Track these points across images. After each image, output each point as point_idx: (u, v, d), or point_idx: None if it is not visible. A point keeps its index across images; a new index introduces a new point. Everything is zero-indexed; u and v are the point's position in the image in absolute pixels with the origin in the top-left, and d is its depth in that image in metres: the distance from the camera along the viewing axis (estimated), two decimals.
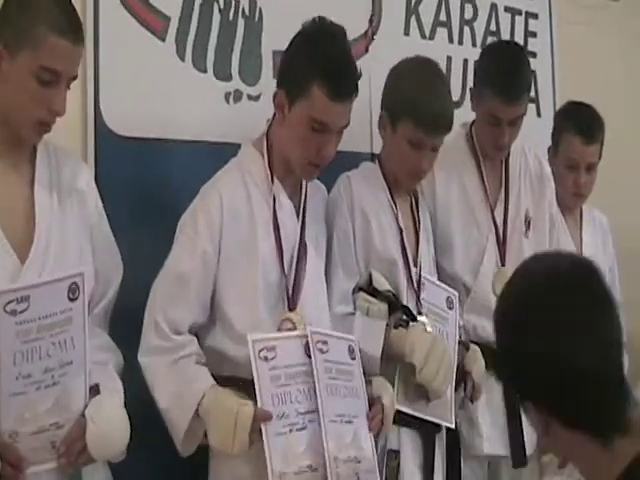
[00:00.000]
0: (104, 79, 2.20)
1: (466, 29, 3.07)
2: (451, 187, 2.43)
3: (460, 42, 3.04)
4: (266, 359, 1.81)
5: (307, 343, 1.88)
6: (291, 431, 1.83)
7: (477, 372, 2.23)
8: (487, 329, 2.35)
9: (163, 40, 2.31)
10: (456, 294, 2.28)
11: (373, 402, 1.96)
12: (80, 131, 2.18)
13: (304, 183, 2.04)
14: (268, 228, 1.95)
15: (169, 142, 2.29)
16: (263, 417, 1.79)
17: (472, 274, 2.40)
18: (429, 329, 2.13)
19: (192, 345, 1.91)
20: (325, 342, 1.87)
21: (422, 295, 2.18)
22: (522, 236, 2.45)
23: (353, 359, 1.95)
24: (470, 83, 3.06)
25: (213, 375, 1.89)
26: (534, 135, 3.24)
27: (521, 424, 2.37)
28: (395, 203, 2.21)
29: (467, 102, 2.94)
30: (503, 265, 2.40)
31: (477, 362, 2.25)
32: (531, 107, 3.29)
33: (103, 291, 1.91)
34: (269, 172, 1.98)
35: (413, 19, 2.92)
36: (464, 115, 2.56)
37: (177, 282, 1.90)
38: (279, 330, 1.90)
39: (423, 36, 2.94)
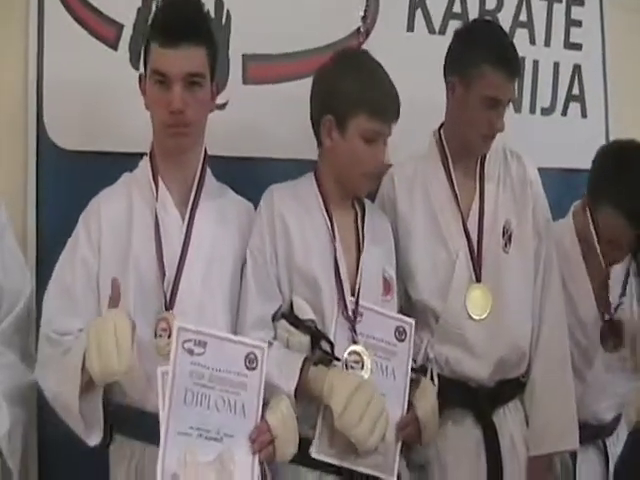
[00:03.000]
0: (48, 91, 2.35)
1: None
2: (414, 200, 2.35)
3: None
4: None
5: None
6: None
7: (423, 409, 2.12)
8: (462, 362, 2.29)
9: (115, 49, 2.43)
10: (411, 322, 2.16)
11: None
12: (22, 144, 2.33)
13: (196, 181, 2.10)
14: (148, 230, 2.03)
15: (119, 156, 2.38)
16: None
17: (441, 298, 2.29)
18: (368, 366, 2.07)
19: (81, 335, 1.95)
20: (200, 343, 1.83)
21: (359, 326, 2.09)
22: (501, 250, 2.32)
23: (252, 369, 1.88)
24: None
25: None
26: (579, 138, 3.16)
27: (502, 474, 2.27)
28: (331, 218, 2.16)
29: None
30: (478, 281, 2.29)
31: (424, 398, 2.13)
32: (575, 106, 3.20)
33: (9, 306, 2.04)
34: (151, 173, 2.08)
35: (419, 12, 2.88)
36: None
37: (63, 293, 2.01)
38: (155, 330, 1.97)
39: (432, 31, 2.89)
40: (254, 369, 1.88)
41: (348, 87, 2.12)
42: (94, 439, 1.96)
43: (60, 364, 1.92)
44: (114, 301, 1.87)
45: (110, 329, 1.79)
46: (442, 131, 2.42)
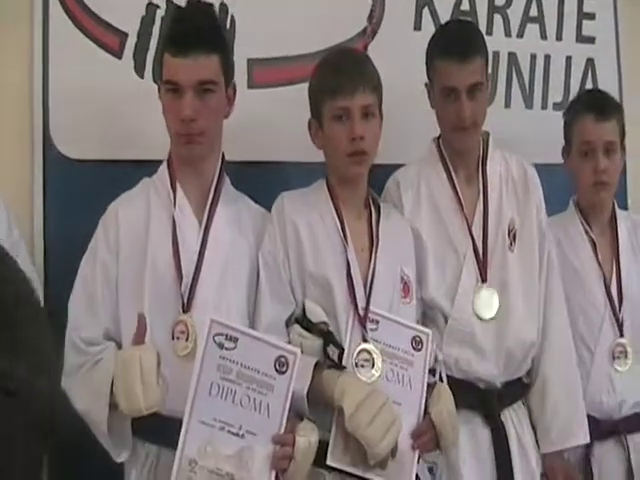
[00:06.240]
0: (54, 100, 2.47)
1: (497, 17, 3.09)
2: (420, 206, 2.47)
3: (489, 32, 3.03)
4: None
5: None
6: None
7: (438, 414, 2.18)
8: (471, 361, 2.41)
9: (119, 58, 2.55)
10: (428, 332, 2.25)
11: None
12: (28, 153, 2.46)
13: (213, 188, 2.22)
14: (165, 235, 2.16)
15: (125, 163, 2.51)
16: None
17: (449, 299, 2.41)
18: (379, 365, 2.15)
19: (109, 348, 2.11)
20: (232, 338, 1.94)
21: (372, 334, 2.18)
22: (506, 250, 2.45)
23: (281, 372, 1.96)
24: (502, 79, 3.15)
25: None
26: None
27: (512, 475, 2.38)
28: (342, 220, 2.26)
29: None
30: (484, 282, 2.42)
31: (439, 402, 2.20)
32: None
33: None
34: (169, 179, 2.22)
35: (425, 10, 2.98)
36: None
37: (85, 298, 2.15)
38: (173, 333, 2.09)
39: None
40: (284, 373, 1.98)
41: (315, 85, 2.29)
42: (123, 456, 2.10)
43: (88, 382, 2.06)
44: (140, 336, 1.99)
45: (136, 369, 1.93)
46: (440, 140, 2.56)
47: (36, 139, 2.47)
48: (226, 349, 1.95)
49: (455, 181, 2.49)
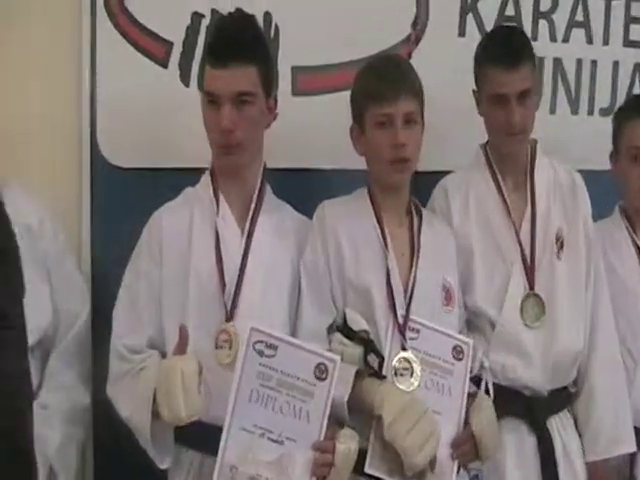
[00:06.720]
0: (101, 109, 2.52)
1: (542, 22, 3.07)
2: (469, 213, 2.48)
3: (534, 38, 3.01)
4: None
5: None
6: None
7: (478, 424, 2.19)
8: (517, 369, 2.41)
9: (165, 67, 2.59)
10: (470, 342, 2.26)
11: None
12: (76, 162, 2.51)
13: (255, 197, 2.25)
14: (208, 243, 2.19)
15: (171, 172, 2.55)
16: None
17: (497, 306, 2.42)
18: (418, 373, 2.17)
19: (153, 356, 2.15)
20: (272, 346, 1.98)
21: (412, 343, 2.20)
22: (554, 257, 2.46)
23: (321, 379, 1.99)
24: (548, 84, 3.13)
25: None
26: None
27: None
28: (382, 228, 2.28)
29: None
30: (532, 289, 2.43)
31: (480, 412, 2.21)
32: None
33: (68, 325, 2.23)
34: (211, 189, 2.25)
35: (470, 17, 2.97)
36: None
37: (129, 306, 2.19)
38: (216, 341, 2.12)
39: (484, 35, 2.97)
40: (323, 380, 2.00)
41: (358, 91, 2.31)
42: (166, 462, 2.13)
43: (132, 389, 2.10)
44: (181, 348, 2.02)
45: (177, 379, 1.95)
46: (487, 146, 2.57)
47: (84, 148, 2.52)
48: (266, 357, 1.99)
49: (503, 188, 2.51)
